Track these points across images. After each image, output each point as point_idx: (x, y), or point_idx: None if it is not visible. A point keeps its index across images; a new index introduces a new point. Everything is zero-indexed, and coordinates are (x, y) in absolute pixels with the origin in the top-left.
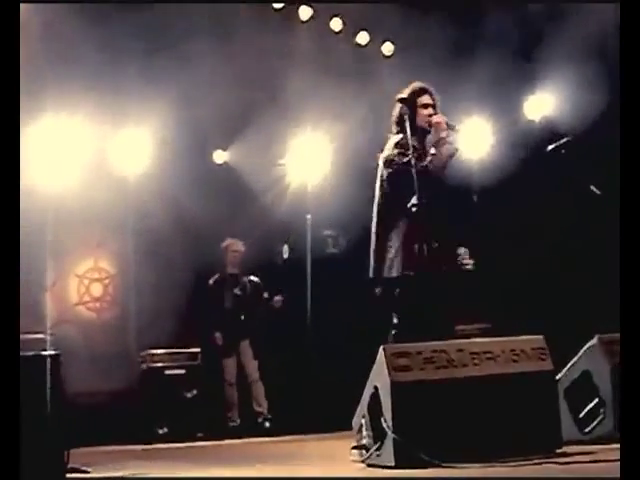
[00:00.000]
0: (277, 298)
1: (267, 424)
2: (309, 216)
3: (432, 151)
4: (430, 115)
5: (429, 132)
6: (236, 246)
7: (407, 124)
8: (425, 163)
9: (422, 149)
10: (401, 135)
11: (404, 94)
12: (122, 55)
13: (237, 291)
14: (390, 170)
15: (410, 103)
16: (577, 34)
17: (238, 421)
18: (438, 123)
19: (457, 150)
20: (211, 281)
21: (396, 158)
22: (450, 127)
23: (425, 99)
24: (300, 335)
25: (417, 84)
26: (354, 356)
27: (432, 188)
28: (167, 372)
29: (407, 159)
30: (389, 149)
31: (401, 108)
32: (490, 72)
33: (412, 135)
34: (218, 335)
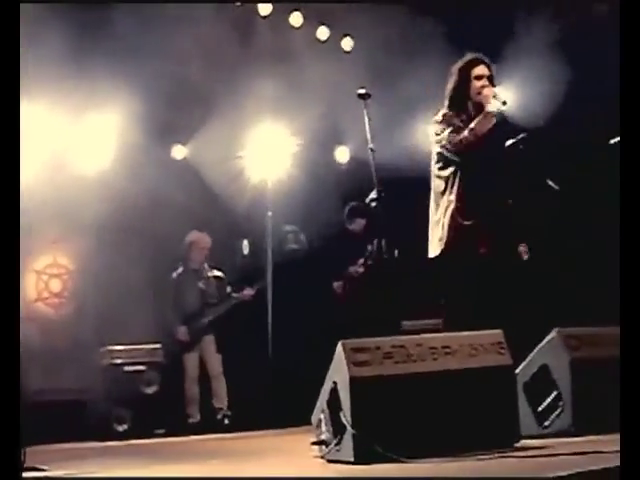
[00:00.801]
0: (246, 292)
1: (226, 421)
2: (270, 213)
3: (471, 125)
4: (483, 87)
5: (483, 104)
6: (204, 242)
7: (453, 99)
8: (460, 138)
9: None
10: (444, 110)
11: (458, 65)
12: (81, 50)
13: (201, 285)
14: (435, 148)
15: (464, 75)
16: (535, 28)
17: (198, 417)
18: (486, 96)
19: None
20: (175, 275)
21: (435, 136)
22: (497, 99)
23: (479, 70)
24: (262, 330)
25: (471, 55)
26: (315, 351)
27: (465, 163)
28: (127, 368)
29: (440, 136)
30: (433, 126)
31: (454, 80)
32: (450, 65)
33: (464, 108)
34: (182, 330)
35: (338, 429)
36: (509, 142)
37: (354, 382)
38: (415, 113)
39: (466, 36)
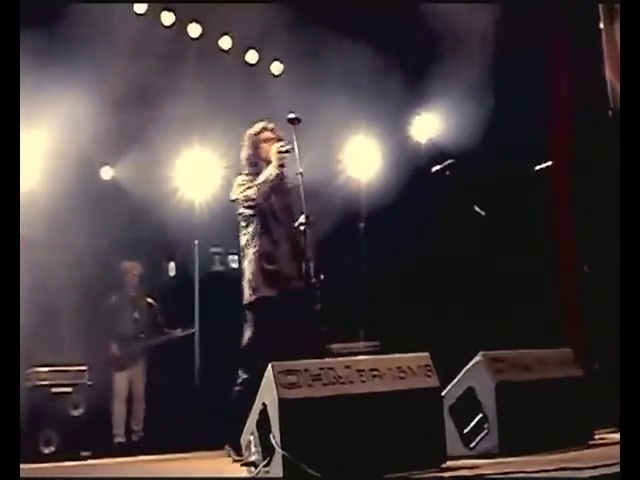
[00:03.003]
0: (178, 332)
1: (141, 443)
2: (197, 235)
3: (257, 181)
4: (270, 146)
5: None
6: (135, 269)
7: (248, 163)
8: (249, 194)
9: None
10: (242, 175)
11: (247, 134)
12: None
13: (136, 315)
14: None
15: (254, 141)
16: (463, 54)
17: (125, 437)
18: (272, 154)
19: (275, 175)
20: (112, 300)
21: (234, 196)
22: (284, 153)
23: (265, 135)
24: (189, 352)
25: (259, 124)
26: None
27: (262, 216)
28: (53, 390)
29: (235, 197)
30: (233, 189)
31: (246, 147)
32: (379, 91)
33: (259, 170)
34: (115, 346)
35: (267, 450)
36: (436, 167)
37: (283, 404)
38: (343, 138)
39: (396, 61)
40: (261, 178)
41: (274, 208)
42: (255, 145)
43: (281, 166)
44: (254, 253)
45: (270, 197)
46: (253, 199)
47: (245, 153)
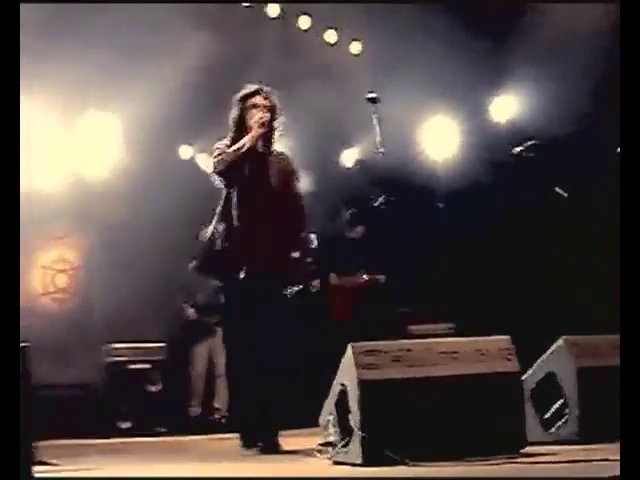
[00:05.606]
0: None
1: (223, 421)
2: None
3: (234, 147)
4: (258, 113)
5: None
6: None
7: (233, 127)
8: (221, 158)
9: None
10: (226, 140)
11: (237, 96)
12: (87, 49)
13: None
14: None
15: (243, 105)
16: (541, 34)
17: (199, 411)
18: (255, 122)
19: (247, 147)
20: (189, 268)
21: (213, 161)
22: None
23: (256, 100)
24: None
25: (251, 85)
26: (320, 353)
27: (230, 188)
28: (131, 366)
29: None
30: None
31: (234, 110)
32: (457, 72)
33: (239, 137)
34: (191, 311)
35: (346, 431)
36: (517, 148)
37: (363, 385)
38: (422, 118)
39: (476, 41)
40: (233, 147)
41: (244, 182)
42: (242, 108)
43: (258, 138)
44: (216, 227)
45: (240, 169)
46: (218, 167)
47: (232, 116)
